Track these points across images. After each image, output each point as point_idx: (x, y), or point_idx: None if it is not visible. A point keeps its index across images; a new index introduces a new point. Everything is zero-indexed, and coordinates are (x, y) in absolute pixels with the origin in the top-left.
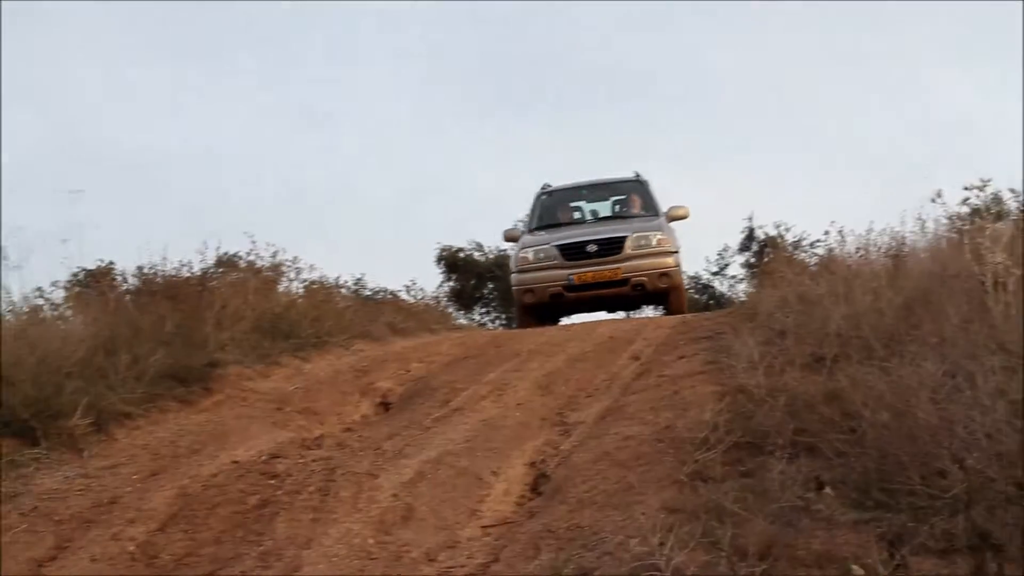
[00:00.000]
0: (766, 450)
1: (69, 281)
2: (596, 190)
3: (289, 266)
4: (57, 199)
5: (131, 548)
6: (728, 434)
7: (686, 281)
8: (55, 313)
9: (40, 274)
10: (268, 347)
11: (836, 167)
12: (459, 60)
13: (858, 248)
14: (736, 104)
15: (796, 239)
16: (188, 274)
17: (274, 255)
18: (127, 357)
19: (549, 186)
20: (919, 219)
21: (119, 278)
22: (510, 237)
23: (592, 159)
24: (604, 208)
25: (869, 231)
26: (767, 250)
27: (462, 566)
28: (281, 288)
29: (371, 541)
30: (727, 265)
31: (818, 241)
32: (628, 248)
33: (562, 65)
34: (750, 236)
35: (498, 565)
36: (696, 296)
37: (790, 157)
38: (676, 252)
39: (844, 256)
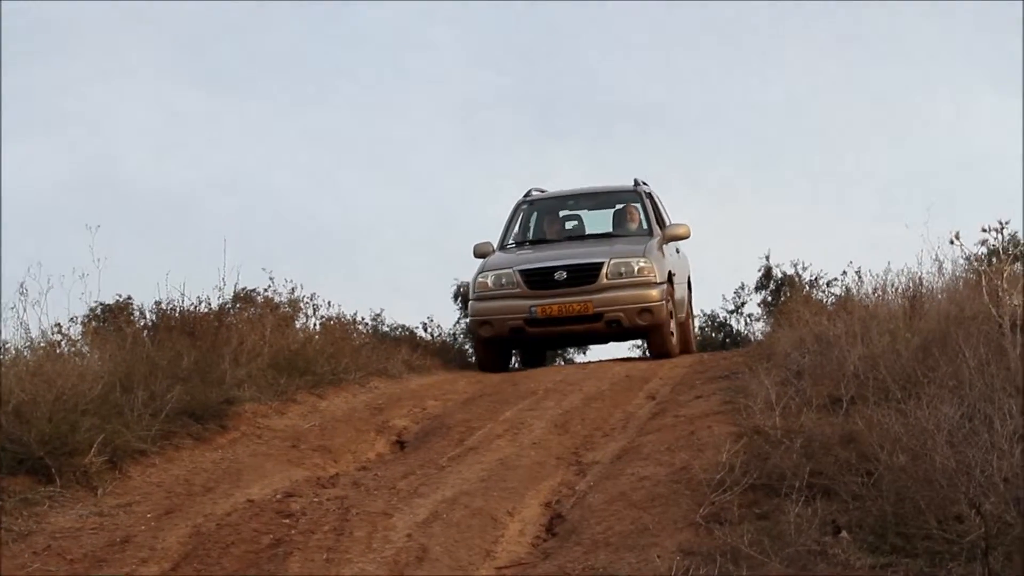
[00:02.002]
0: (782, 492)
1: (87, 316)
2: (586, 200)
3: (307, 302)
4: (76, 233)
5: None
6: (744, 476)
7: (699, 318)
8: (72, 349)
9: (59, 309)
10: (284, 384)
11: (854, 205)
12: (482, 90)
13: (875, 288)
14: (757, 139)
15: (813, 278)
16: (206, 310)
17: (292, 291)
18: (144, 394)
19: (536, 192)
20: (937, 260)
21: (137, 313)
22: (480, 253)
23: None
24: (595, 222)
25: (887, 271)
26: (784, 289)
27: None
28: (298, 324)
29: None
30: (744, 303)
31: (835, 280)
32: (604, 277)
33: (580, 96)
34: (767, 274)
35: None
36: (712, 334)
37: (812, 194)
38: (663, 284)
39: (861, 296)
